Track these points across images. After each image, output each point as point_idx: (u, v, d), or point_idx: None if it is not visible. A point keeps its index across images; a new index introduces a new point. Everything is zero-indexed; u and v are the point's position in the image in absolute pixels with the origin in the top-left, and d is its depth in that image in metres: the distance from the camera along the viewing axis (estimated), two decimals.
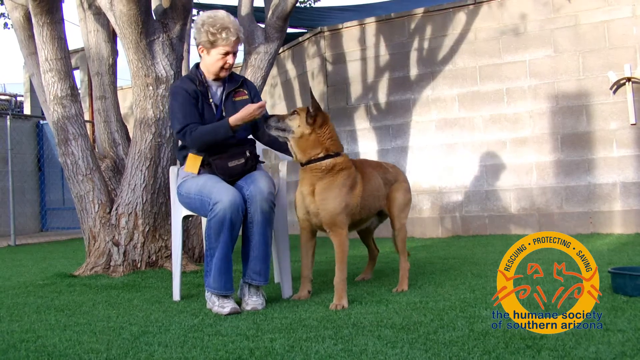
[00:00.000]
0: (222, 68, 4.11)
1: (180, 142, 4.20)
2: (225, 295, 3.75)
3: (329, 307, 3.71)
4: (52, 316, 3.79)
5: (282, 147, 4.22)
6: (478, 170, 8.37)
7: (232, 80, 4.25)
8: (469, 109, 8.43)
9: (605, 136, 7.67)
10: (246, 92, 4.27)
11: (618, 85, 7.57)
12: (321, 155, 3.92)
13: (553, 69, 7.96)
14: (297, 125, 3.90)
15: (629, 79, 7.46)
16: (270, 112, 4.22)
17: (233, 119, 3.92)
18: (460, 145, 8.47)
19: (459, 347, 2.66)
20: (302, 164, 3.95)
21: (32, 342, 3.10)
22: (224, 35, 4.02)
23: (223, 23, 4.04)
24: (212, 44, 4.04)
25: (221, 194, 3.74)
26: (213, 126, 3.97)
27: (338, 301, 3.74)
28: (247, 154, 4.06)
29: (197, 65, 4.22)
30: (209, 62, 4.10)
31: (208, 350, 2.78)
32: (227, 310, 3.65)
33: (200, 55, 4.15)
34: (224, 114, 4.10)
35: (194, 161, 4.02)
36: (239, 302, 3.85)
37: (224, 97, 4.16)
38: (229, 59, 4.09)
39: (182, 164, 4.20)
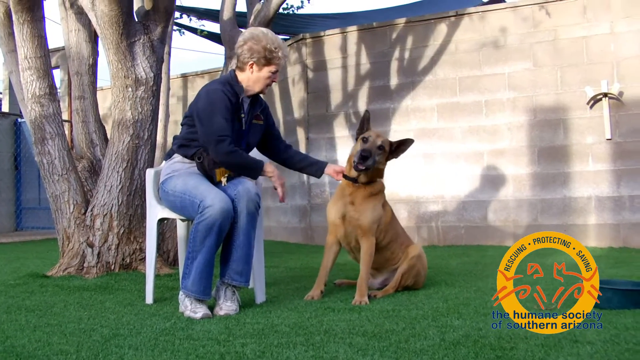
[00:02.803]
0: (267, 85, 4.12)
1: (184, 132, 4.12)
2: (200, 299, 3.73)
3: (352, 302, 4.01)
4: (22, 316, 3.76)
5: (311, 170, 4.46)
6: (455, 180, 8.41)
7: (257, 102, 4.23)
8: (448, 119, 8.48)
9: (582, 150, 7.75)
10: (262, 118, 4.29)
11: (595, 101, 7.65)
12: (377, 179, 4.35)
13: (532, 83, 8.04)
14: (380, 161, 4.26)
15: (605, 95, 7.54)
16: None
17: (269, 169, 4.03)
18: (439, 155, 8.52)
19: (429, 356, 2.67)
20: (357, 182, 4.28)
21: (0, 342, 3.07)
22: (280, 54, 4.04)
23: (279, 42, 4.06)
24: (269, 62, 4.03)
25: (213, 198, 3.71)
26: (252, 162, 4.01)
27: (360, 297, 4.07)
28: None
29: (235, 75, 4.12)
30: (257, 79, 4.07)
31: (178, 354, 2.77)
32: (199, 315, 3.63)
33: (241, 69, 4.08)
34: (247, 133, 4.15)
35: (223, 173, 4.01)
36: (213, 304, 3.85)
37: (250, 117, 4.17)
38: (276, 76, 4.13)
39: (170, 155, 4.16)
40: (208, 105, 3.97)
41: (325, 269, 4.34)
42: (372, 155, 4.15)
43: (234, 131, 4.02)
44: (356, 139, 4.37)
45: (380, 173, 4.33)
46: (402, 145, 4.31)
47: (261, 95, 4.25)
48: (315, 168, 4.41)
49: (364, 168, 4.15)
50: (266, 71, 4.05)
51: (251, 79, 4.07)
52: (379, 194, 4.33)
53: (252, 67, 4.05)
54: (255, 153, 4.49)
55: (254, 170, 4.00)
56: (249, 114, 4.16)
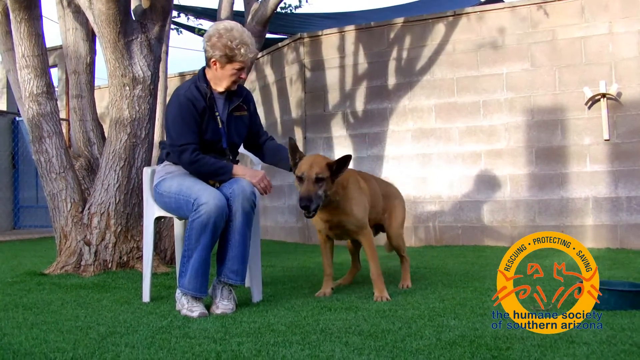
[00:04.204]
0: (234, 82, 4.02)
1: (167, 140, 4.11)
2: (196, 297, 3.73)
3: (374, 299, 4.05)
4: (19, 314, 3.76)
5: (284, 164, 4.27)
6: (453, 181, 8.41)
7: (236, 95, 4.13)
8: (446, 120, 8.48)
9: (579, 151, 7.75)
10: (245, 108, 4.20)
11: (593, 101, 7.65)
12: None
13: (529, 83, 8.04)
14: (327, 189, 3.92)
15: (603, 95, 7.54)
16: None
17: (240, 172, 3.93)
18: (436, 155, 8.52)
19: (425, 356, 2.66)
20: None
21: None
22: (242, 51, 3.91)
23: (242, 38, 3.91)
24: (230, 59, 3.92)
25: (208, 196, 3.71)
26: (218, 166, 3.92)
27: (380, 293, 4.09)
28: (230, 159, 4.10)
29: (204, 73, 4.06)
30: (221, 76, 3.98)
31: (175, 352, 2.77)
32: (195, 314, 3.63)
33: (208, 66, 4.01)
34: (226, 129, 4.06)
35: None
36: (209, 302, 3.86)
37: (228, 113, 4.08)
38: (243, 73, 4.02)
39: (163, 159, 4.16)
40: (170, 114, 3.98)
41: (328, 266, 4.33)
42: (313, 197, 3.83)
43: (211, 132, 3.99)
44: (294, 173, 4.02)
45: (338, 188, 4.03)
46: (343, 165, 3.98)
47: (245, 86, 4.19)
48: (286, 162, 4.19)
49: (314, 214, 3.90)
50: (229, 69, 3.95)
51: (216, 76, 3.99)
52: (348, 187, 4.13)
53: (215, 65, 3.96)
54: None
55: (223, 175, 3.93)
56: (226, 109, 4.09)
